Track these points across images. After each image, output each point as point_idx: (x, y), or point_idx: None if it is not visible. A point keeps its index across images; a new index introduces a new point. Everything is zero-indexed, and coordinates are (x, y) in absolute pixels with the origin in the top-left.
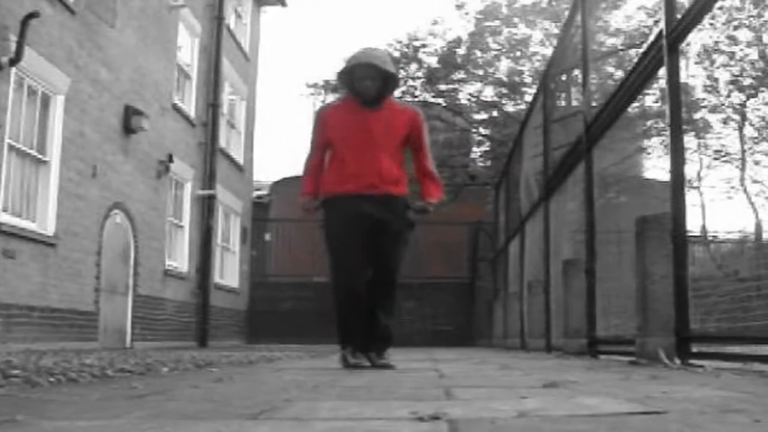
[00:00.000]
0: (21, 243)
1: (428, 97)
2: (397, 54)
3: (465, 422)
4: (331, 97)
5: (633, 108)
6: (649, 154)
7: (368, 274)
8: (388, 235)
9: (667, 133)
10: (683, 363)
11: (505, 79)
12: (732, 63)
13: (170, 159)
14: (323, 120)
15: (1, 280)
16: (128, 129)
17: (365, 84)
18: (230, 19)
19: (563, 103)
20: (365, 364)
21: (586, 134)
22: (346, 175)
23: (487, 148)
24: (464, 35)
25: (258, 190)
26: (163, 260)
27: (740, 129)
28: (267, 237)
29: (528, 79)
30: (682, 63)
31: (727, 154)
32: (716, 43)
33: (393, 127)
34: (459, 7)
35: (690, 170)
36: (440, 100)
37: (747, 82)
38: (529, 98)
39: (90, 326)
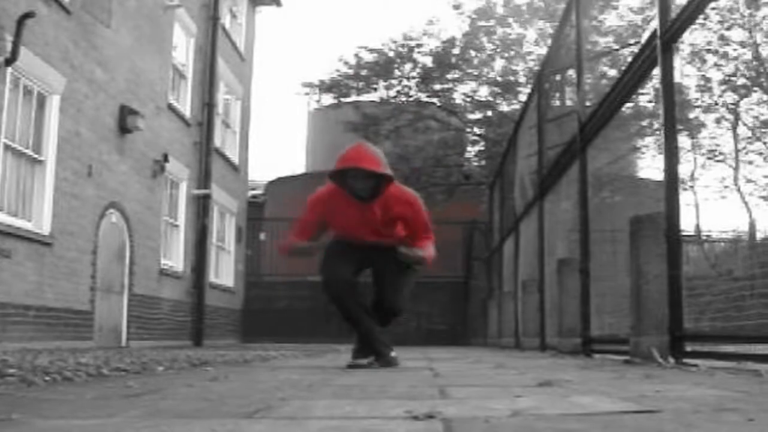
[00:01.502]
0: (17, 242)
1: (423, 96)
2: (391, 54)
3: (459, 421)
4: (325, 98)
5: (627, 108)
6: (643, 153)
7: (364, 292)
8: (390, 265)
9: (661, 132)
10: (677, 362)
11: (499, 78)
12: (724, 63)
13: (165, 158)
14: (324, 204)
15: None
16: (124, 128)
17: (358, 184)
18: (225, 19)
19: (557, 103)
20: (362, 363)
21: (581, 134)
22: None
23: (482, 148)
24: (459, 35)
25: (253, 189)
26: (158, 259)
27: (734, 129)
28: (262, 236)
29: (522, 79)
30: (676, 62)
31: (721, 153)
32: (709, 43)
33: (388, 215)
34: (456, 7)
35: (684, 170)
36: (435, 100)
37: (740, 82)
38: (523, 98)
39: (85, 325)
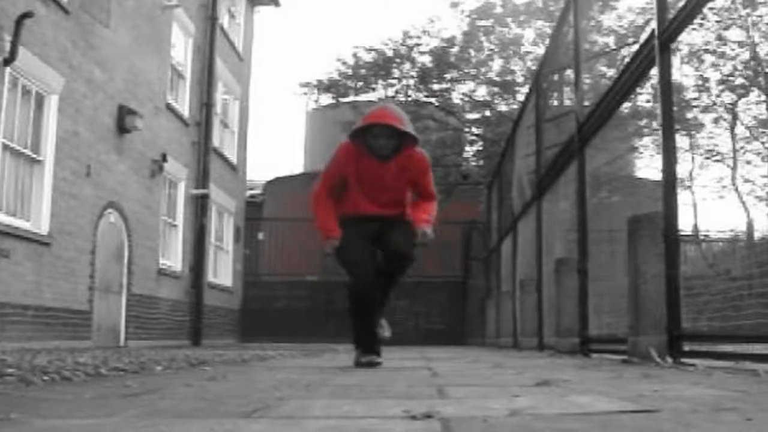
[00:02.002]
0: (15, 242)
1: (421, 96)
2: (390, 53)
3: (457, 421)
4: (324, 98)
5: (625, 107)
6: (641, 153)
7: (379, 268)
8: (394, 229)
9: (659, 132)
10: (675, 362)
11: (497, 78)
12: (722, 63)
13: (164, 158)
14: (343, 163)
15: None
16: (122, 128)
17: (380, 142)
18: (224, 19)
19: (556, 103)
20: (377, 361)
21: (579, 133)
22: (359, 202)
23: (480, 148)
24: (458, 34)
25: (251, 189)
26: (156, 259)
27: (732, 128)
28: (260, 236)
29: (520, 79)
30: (675, 62)
31: (719, 153)
32: (707, 42)
33: (402, 175)
34: (454, 5)
35: (682, 169)
36: (433, 100)
37: (738, 81)
38: (521, 97)
39: (84, 325)
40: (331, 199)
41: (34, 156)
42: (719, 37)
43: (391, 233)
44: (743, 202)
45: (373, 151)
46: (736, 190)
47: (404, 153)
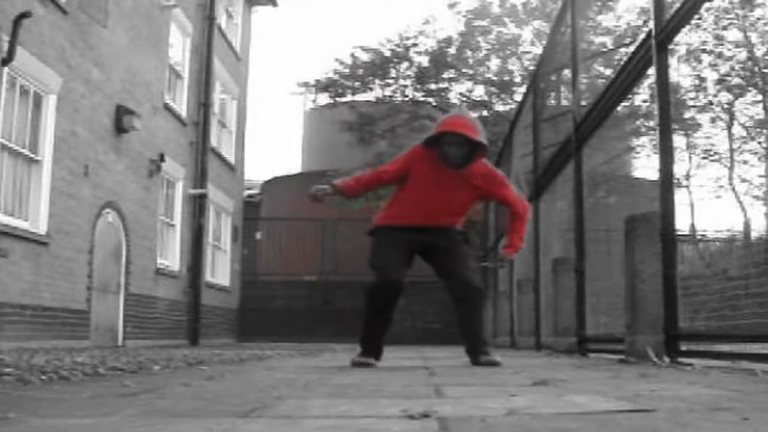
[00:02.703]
0: (13, 242)
1: (418, 96)
2: (387, 53)
3: (455, 420)
4: (321, 97)
5: (622, 107)
6: (638, 153)
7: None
8: (441, 249)
9: (656, 132)
10: (672, 361)
11: (495, 78)
12: (719, 63)
13: (162, 158)
14: (415, 159)
15: None
16: (120, 128)
17: (451, 151)
18: (221, 19)
19: (553, 103)
20: (370, 363)
21: (576, 133)
22: (410, 211)
23: None
24: (455, 34)
25: (249, 189)
26: (154, 259)
27: (729, 128)
28: (258, 236)
29: (518, 78)
30: (672, 62)
31: (716, 153)
32: (704, 42)
33: (467, 188)
34: (451, 6)
35: (679, 169)
36: (430, 99)
37: (735, 81)
38: (519, 97)
39: (82, 324)
40: (374, 183)
41: (32, 156)
42: (717, 37)
43: (450, 261)
44: (740, 202)
45: (446, 159)
46: (733, 189)
47: (475, 164)
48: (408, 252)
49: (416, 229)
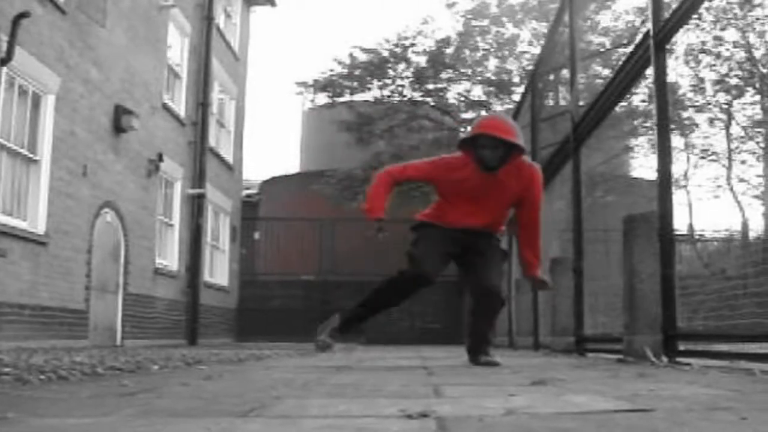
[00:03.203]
0: (12, 241)
1: (416, 96)
2: (386, 53)
3: (453, 420)
4: (320, 97)
5: (620, 107)
6: (636, 153)
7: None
8: (475, 251)
9: (654, 132)
10: (670, 361)
11: (493, 78)
12: (718, 63)
13: (160, 158)
14: (440, 170)
15: None
16: (118, 128)
17: (486, 153)
18: (220, 19)
19: (551, 103)
20: (328, 343)
21: (574, 133)
22: (454, 216)
23: None
24: (453, 35)
25: (247, 189)
26: (153, 259)
27: (727, 128)
28: (256, 236)
29: (516, 78)
30: (670, 62)
31: (714, 153)
32: (703, 43)
33: (504, 191)
34: (450, 5)
35: (677, 169)
36: (428, 99)
37: (733, 82)
38: (517, 97)
39: (80, 324)
40: (392, 186)
41: (31, 156)
42: (715, 38)
43: (480, 263)
44: (738, 202)
45: (482, 161)
46: (731, 189)
47: (512, 163)
48: (447, 254)
49: (458, 230)
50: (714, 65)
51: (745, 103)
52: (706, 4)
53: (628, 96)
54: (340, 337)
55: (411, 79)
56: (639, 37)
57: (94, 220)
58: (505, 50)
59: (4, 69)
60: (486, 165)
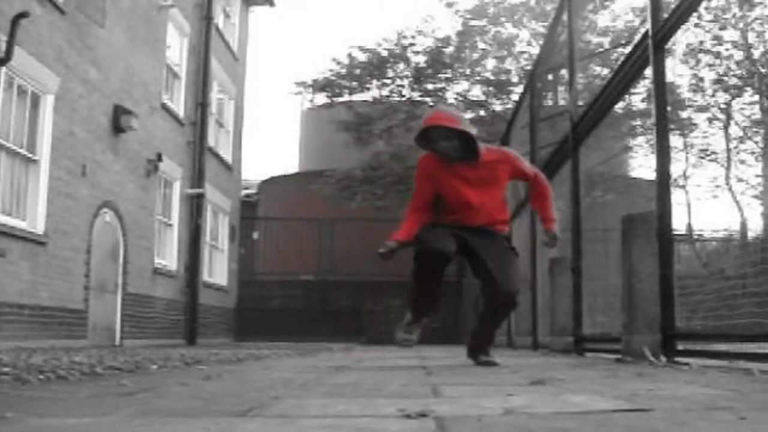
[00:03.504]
0: (11, 241)
1: (415, 96)
2: (385, 53)
3: (452, 419)
4: (318, 97)
5: (619, 107)
6: (635, 152)
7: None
8: (487, 252)
9: (653, 132)
10: (669, 361)
11: (492, 78)
12: (717, 63)
13: (159, 158)
14: (428, 172)
15: None
16: (117, 128)
17: (441, 145)
18: (219, 19)
19: (550, 102)
20: (411, 341)
21: (573, 133)
22: (447, 217)
23: None
24: (452, 34)
25: (246, 188)
26: (152, 258)
27: (725, 128)
28: (255, 235)
29: (515, 78)
30: (669, 62)
31: (713, 153)
32: (701, 42)
33: (494, 177)
34: (450, 5)
35: (676, 169)
36: (428, 99)
37: (732, 81)
38: (516, 97)
39: (79, 324)
40: (422, 213)
41: (30, 155)
42: (714, 37)
43: (490, 261)
44: (737, 202)
45: (445, 156)
46: (730, 189)
47: (484, 158)
48: (456, 236)
49: (459, 226)
50: (713, 65)
51: (744, 103)
52: (704, 4)
53: (626, 96)
54: (417, 326)
55: (410, 79)
56: (638, 37)
57: (93, 220)
58: (503, 50)
59: (3, 69)
60: (450, 156)
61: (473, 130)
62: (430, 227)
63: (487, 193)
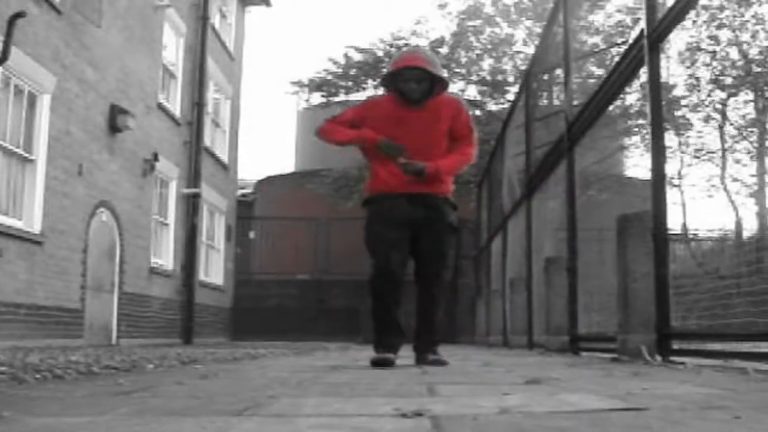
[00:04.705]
0: (8, 241)
1: None
2: (380, 53)
3: (447, 419)
4: (314, 97)
5: (615, 107)
6: (630, 152)
7: (407, 268)
8: (428, 232)
9: (648, 131)
10: (664, 360)
11: (488, 77)
12: (713, 63)
13: (155, 158)
14: (366, 108)
15: None
16: (114, 128)
17: (410, 86)
18: (215, 19)
19: (545, 102)
20: (390, 360)
21: (568, 133)
22: (388, 173)
23: None
24: (447, 35)
25: (242, 188)
26: (148, 258)
27: (721, 128)
28: (251, 235)
29: (510, 78)
30: (664, 62)
31: (708, 152)
32: (697, 42)
33: (435, 123)
34: (441, 6)
35: (671, 168)
36: None
37: (728, 81)
38: (511, 97)
39: (76, 323)
40: (341, 127)
41: (27, 155)
42: (710, 36)
43: (428, 243)
44: (732, 201)
45: (404, 95)
46: (725, 189)
47: (435, 98)
48: (402, 232)
49: (407, 197)
50: (708, 64)
51: (738, 102)
52: (701, 3)
53: (622, 96)
54: (388, 349)
55: None
56: (633, 37)
57: (89, 220)
58: (499, 50)
59: (0, 69)
60: (409, 97)
61: (445, 75)
62: (378, 219)
63: (430, 139)
